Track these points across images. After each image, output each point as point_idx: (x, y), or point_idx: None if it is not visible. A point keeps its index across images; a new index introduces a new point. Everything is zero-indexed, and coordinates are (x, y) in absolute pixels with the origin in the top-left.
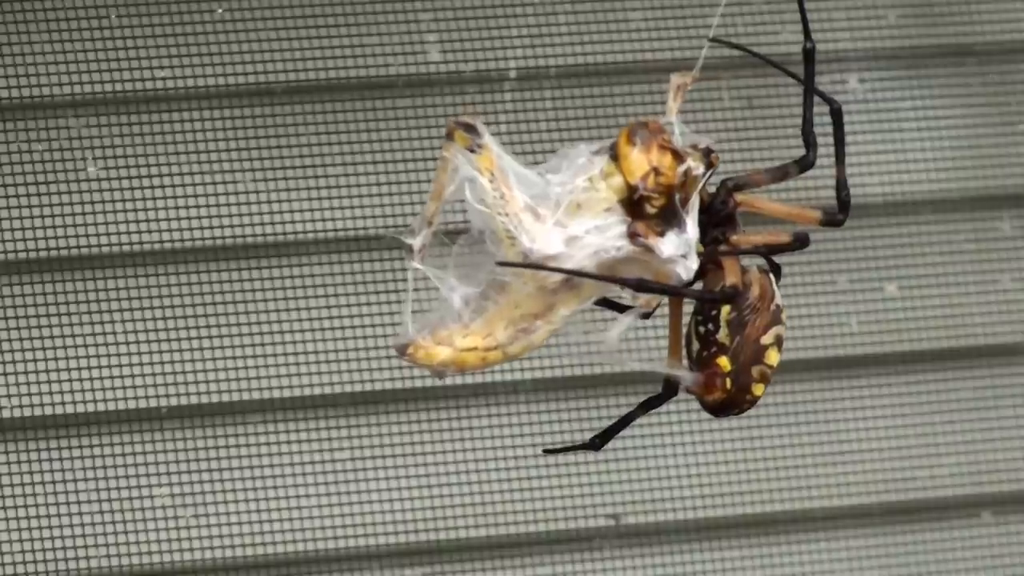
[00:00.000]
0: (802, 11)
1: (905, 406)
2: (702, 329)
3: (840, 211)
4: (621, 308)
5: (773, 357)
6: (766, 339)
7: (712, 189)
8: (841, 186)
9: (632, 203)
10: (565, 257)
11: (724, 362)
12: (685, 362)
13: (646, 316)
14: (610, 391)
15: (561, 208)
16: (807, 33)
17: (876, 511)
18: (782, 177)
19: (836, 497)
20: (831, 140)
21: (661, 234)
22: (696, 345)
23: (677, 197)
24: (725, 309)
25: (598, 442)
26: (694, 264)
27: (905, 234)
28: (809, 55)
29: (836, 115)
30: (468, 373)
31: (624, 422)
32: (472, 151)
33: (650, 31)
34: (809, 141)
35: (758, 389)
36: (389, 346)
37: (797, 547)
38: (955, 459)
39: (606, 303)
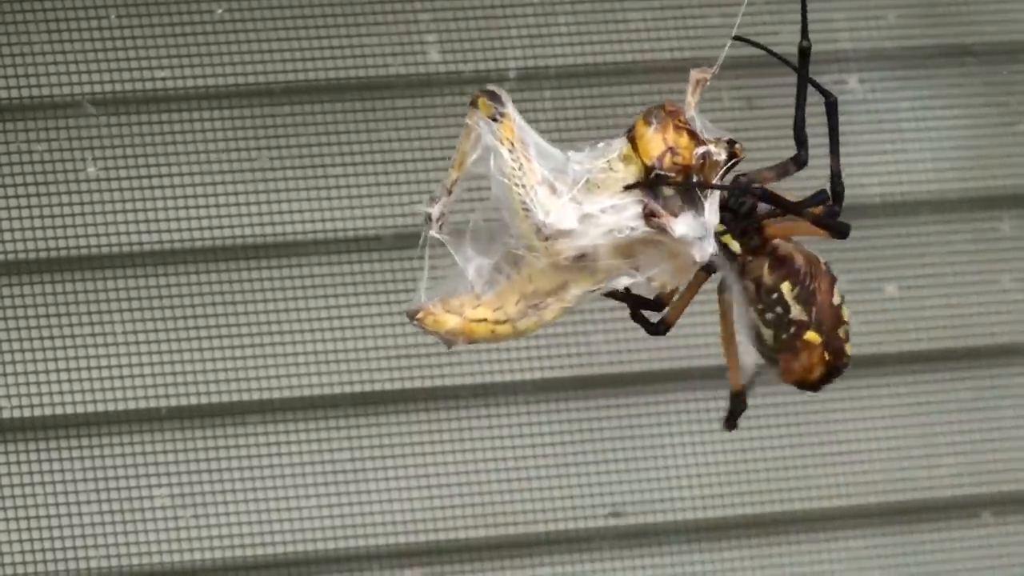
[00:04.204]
0: (803, 10)
1: (904, 406)
2: (770, 316)
3: (834, 202)
4: (631, 299)
5: (847, 312)
6: (836, 299)
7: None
8: (835, 178)
9: (649, 186)
10: (579, 234)
11: (813, 336)
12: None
13: (663, 331)
14: (610, 392)
15: (578, 185)
16: (805, 32)
17: (876, 512)
18: (783, 174)
19: (836, 498)
20: (826, 137)
21: (676, 215)
22: (768, 333)
23: (695, 179)
24: (786, 287)
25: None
26: (710, 247)
27: (904, 234)
28: (804, 53)
29: (831, 107)
30: (478, 343)
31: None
32: (495, 120)
33: (649, 31)
34: (801, 140)
35: (848, 348)
36: (402, 311)
37: (797, 548)
38: (955, 459)
39: (617, 295)
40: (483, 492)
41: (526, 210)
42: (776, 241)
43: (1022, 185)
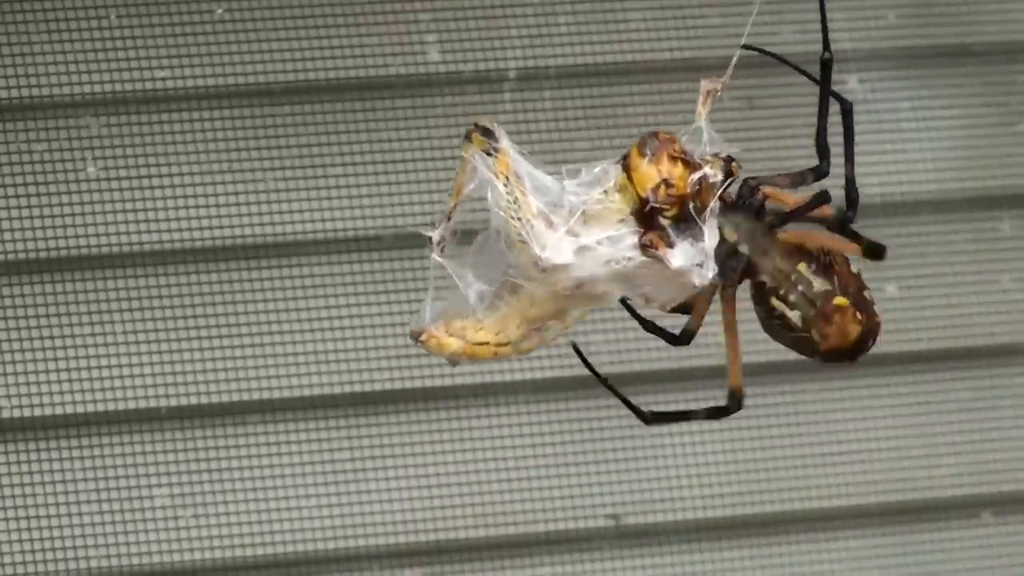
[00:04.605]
0: (823, 21)
1: (904, 406)
2: (793, 296)
3: (849, 208)
4: (650, 325)
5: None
6: (854, 268)
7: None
8: (850, 184)
9: (645, 214)
10: (576, 267)
11: (841, 300)
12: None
13: (686, 341)
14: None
15: (574, 217)
16: (826, 44)
17: (876, 511)
18: (800, 182)
19: (836, 498)
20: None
21: (672, 245)
22: (796, 315)
23: (691, 206)
24: (803, 266)
25: (651, 417)
26: (710, 272)
27: (904, 234)
28: (827, 65)
29: (847, 114)
30: (481, 362)
31: (684, 417)
32: (488, 154)
33: (649, 31)
34: (823, 152)
35: (876, 310)
36: (406, 330)
37: (797, 547)
38: (955, 459)
39: (647, 325)
40: (483, 492)
41: (523, 243)
42: (782, 239)
43: (1022, 185)
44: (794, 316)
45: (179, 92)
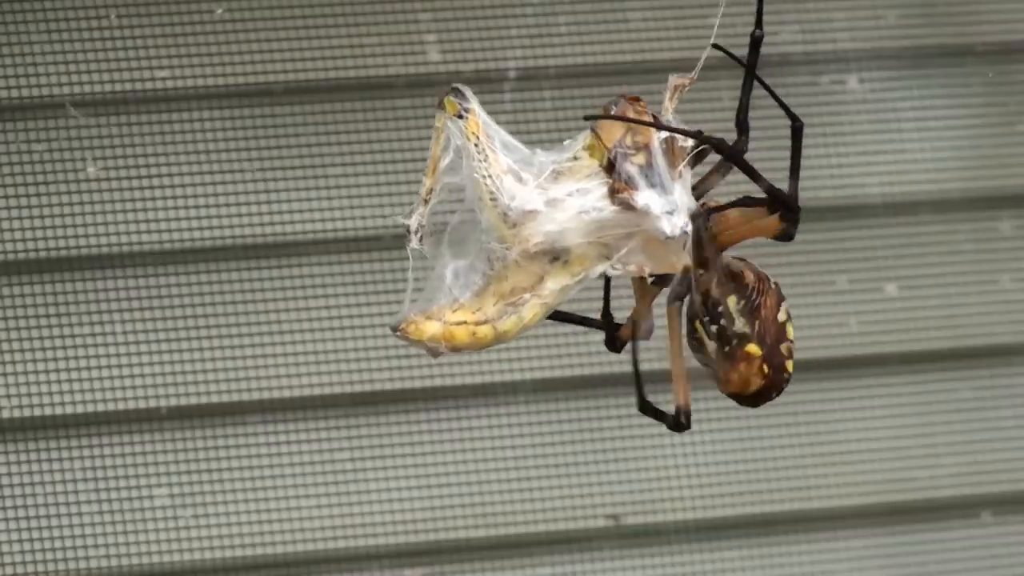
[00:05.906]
0: (760, 2)
1: (905, 406)
2: (714, 327)
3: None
4: (586, 322)
5: (791, 331)
6: (781, 316)
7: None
8: (792, 198)
9: (612, 162)
10: (545, 217)
11: (754, 348)
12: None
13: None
14: (609, 391)
15: (545, 174)
16: (759, 21)
17: (876, 511)
18: (727, 172)
19: (836, 497)
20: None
21: (638, 189)
22: (712, 345)
23: (659, 158)
24: (731, 300)
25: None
26: (680, 221)
27: (905, 234)
28: (756, 43)
29: (796, 132)
30: (462, 351)
31: (659, 417)
32: (460, 116)
33: (649, 31)
34: (743, 128)
35: (790, 365)
36: (387, 325)
37: (797, 547)
38: (955, 459)
39: (571, 319)
40: (483, 492)
41: (493, 199)
42: (727, 258)
43: (1022, 185)
44: (709, 346)
45: (179, 92)
